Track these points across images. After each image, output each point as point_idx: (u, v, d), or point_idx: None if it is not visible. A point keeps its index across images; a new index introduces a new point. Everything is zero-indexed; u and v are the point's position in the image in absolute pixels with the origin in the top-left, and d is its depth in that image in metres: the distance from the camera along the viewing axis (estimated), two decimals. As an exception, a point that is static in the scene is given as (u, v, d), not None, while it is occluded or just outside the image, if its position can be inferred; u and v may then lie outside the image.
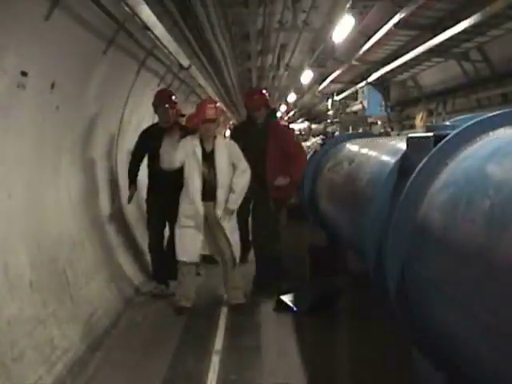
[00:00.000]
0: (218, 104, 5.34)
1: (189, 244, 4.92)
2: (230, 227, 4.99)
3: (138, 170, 5.69)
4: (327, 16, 9.52)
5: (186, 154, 4.90)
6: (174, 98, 5.69)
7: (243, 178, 4.96)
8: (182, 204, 4.96)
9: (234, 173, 4.96)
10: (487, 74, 8.43)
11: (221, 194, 4.90)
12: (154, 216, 5.61)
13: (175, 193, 5.10)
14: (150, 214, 5.69)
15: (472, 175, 2.31)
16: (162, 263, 5.68)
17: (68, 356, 3.63)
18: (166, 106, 5.54)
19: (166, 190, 5.33)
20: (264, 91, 6.02)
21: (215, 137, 5.03)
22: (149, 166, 5.63)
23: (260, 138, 5.60)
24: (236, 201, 4.95)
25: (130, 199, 5.78)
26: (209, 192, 4.90)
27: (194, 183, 4.87)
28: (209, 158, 4.93)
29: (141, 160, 5.67)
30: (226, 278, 5.08)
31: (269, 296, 5.16)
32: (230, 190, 4.92)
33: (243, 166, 4.97)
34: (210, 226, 4.99)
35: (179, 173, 4.95)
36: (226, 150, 4.99)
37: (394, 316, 2.82)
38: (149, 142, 5.52)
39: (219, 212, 4.90)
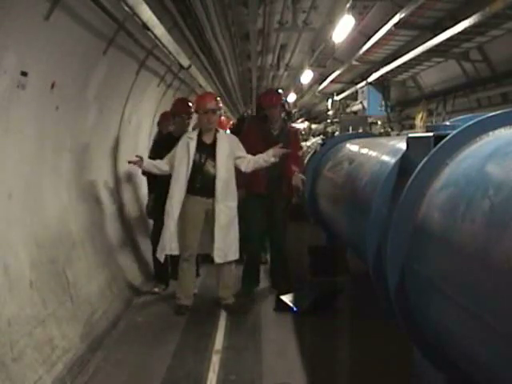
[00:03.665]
0: (218, 98, 5.28)
1: (162, 245, 4.89)
2: (228, 222, 4.85)
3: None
4: (327, 16, 9.53)
5: (177, 148, 4.87)
6: (191, 105, 5.64)
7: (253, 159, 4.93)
8: (167, 200, 4.89)
9: (240, 164, 4.91)
10: (487, 74, 8.44)
11: (219, 186, 4.80)
12: (158, 219, 5.62)
13: None
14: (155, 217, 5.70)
15: (472, 175, 2.31)
16: (164, 263, 5.70)
17: (68, 356, 3.63)
18: (186, 117, 5.56)
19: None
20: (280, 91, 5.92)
21: (217, 129, 5.00)
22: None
23: (279, 138, 5.41)
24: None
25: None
26: (207, 187, 4.80)
27: (179, 178, 4.80)
28: (207, 150, 4.87)
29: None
30: (218, 276, 5.03)
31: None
32: (230, 183, 4.85)
33: (248, 155, 4.94)
34: (208, 223, 4.90)
35: None
36: (228, 143, 4.94)
37: (394, 316, 2.81)
38: (161, 152, 5.51)
39: (218, 207, 4.80)
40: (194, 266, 5.11)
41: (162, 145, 5.49)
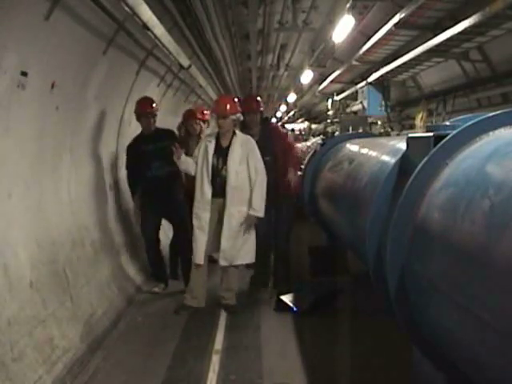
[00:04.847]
0: (236, 100, 5.22)
1: (197, 246, 4.89)
2: (239, 227, 4.81)
3: (137, 179, 5.67)
4: (327, 16, 9.53)
5: (198, 151, 4.96)
6: (154, 105, 5.63)
7: (260, 179, 4.85)
8: (194, 203, 4.96)
9: (250, 176, 4.86)
10: (487, 74, 8.43)
11: (229, 191, 4.81)
12: (147, 219, 5.64)
13: (168, 195, 5.23)
14: (143, 217, 5.70)
15: (472, 175, 2.31)
16: (160, 263, 5.72)
17: (68, 356, 3.63)
18: (148, 115, 5.54)
19: (158, 193, 5.38)
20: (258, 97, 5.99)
21: (235, 133, 4.98)
22: (140, 173, 5.63)
23: (264, 142, 5.43)
24: (258, 207, 4.79)
25: (137, 208, 5.80)
26: (220, 188, 4.84)
27: (203, 181, 4.87)
28: (223, 153, 4.89)
29: (136, 170, 5.62)
30: (222, 277, 5.05)
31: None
32: (242, 188, 4.83)
33: (259, 167, 4.87)
34: (219, 224, 4.88)
35: (169, 176, 5.10)
36: (241, 147, 4.90)
37: (394, 316, 2.81)
38: (137, 152, 5.52)
39: (229, 211, 4.80)
40: (206, 269, 5.03)
41: (138, 144, 5.58)
